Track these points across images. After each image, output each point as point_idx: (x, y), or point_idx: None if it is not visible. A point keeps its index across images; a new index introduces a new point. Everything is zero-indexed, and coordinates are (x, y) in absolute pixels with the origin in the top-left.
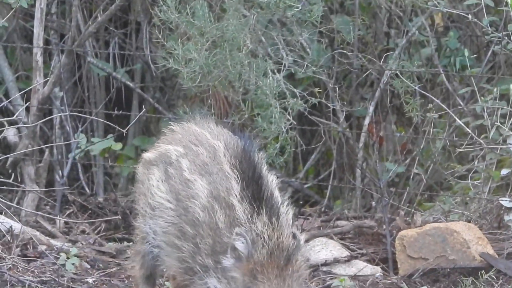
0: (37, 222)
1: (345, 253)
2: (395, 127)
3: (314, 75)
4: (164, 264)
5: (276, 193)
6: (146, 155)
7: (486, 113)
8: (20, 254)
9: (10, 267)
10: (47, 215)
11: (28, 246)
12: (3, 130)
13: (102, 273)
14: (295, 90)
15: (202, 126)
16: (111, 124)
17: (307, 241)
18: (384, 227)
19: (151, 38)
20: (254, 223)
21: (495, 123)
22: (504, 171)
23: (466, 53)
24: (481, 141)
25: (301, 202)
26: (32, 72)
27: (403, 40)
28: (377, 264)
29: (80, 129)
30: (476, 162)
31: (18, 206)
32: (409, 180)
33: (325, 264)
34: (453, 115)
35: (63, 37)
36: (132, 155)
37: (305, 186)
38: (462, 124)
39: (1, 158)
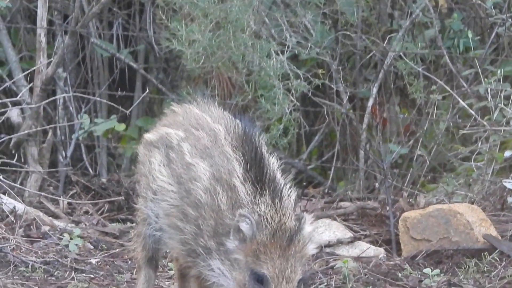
0: (40, 203)
1: (348, 234)
2: (399, 108)
3: (318, 57)
4: (167, 247)
5: (279, 175)
6: (147, 136)
7: (489, 94)
8: (23, 234)
9: (13, 247)
10: (51, 196)
11: (31, 226)
12: (6, 111)
13: (105, 254)
14: (298, 71)
15: (203, 109)
16: (115, 105)
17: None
18: (388, 208)
19: (154, 19)
20: (257, 204)
21: (499, 104)
22: (507, 153)
23: (470, 35)
24: (485, 122)
25: (304, 183)
26: (35, 53)
27: (407, 21)
28: (380, 246)
29: (83, 110)
30: (479, 144)
31: (21, 187)
32: (412, 161)
33: (328, 245)
34: (456, 96)
35: (66, 18)
36: (135, 136)
37: (309, 167)
38: (466, 106)
39: (5, 138)
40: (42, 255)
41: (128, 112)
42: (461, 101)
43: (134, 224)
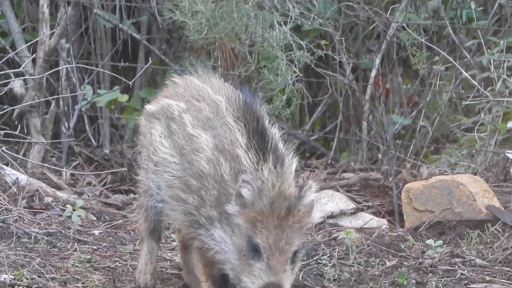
0: (43, 174)
1: (351, 205)
2: (402, 79)
3: (321, 27)
4: (170, 218)
5: (280, 144)
6: (149, 107)
7: (492, 65)
8: (26, 206)
9: (16, 219)
10: (53, 167)
11: (34, 198)
12: (9, 82)
13: (108, 225)
14: (301, 42)
15: (204, 80)
16: (117, 76)
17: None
18: (390, 179)
19: None
20: (260, 170)
21: (502, 75)
22: (510, 124)
23: (473, 6)
24: (488, 93)
25: (307, 154)
26: (38, 24)
27: None
28: (383, 217)
29: (86, 81)
30: (482, 115)
31: (24, 158)
32: (415, 132)
33: (331, 216)
34: (459, 67)
35: None
36: (138, 107)
37: (311, 138)
38: (469, 77)
39: (8, 109)
40: (45, 226)
41: (131, 83)
42: (464, 72)
43: (137, 195)
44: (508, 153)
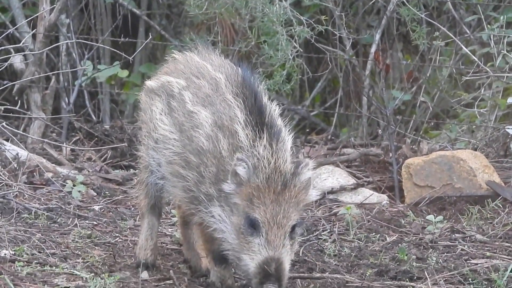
0: (43, 150)
1: (352, 181)
2: (402, 54)
3: (321, 3)
4: (170, 195)
5: (278, 120)
6: (149, 83)
7: (492, 41)
8: (26, 181)
9: (16, 194)
10: (54, 142)
11: (34, 173)
12: (9, 57)
13: (108, 201)
14: (301, 17)
15: (204, 57)
16: (118, 51)
17: (314, 168)
18: (391, 155)
19: None
20: (256, 147)
21: (502, 51)
22: (510, 99)
23: None
24: (488, 69)
25: (307, 130)
26: None
27: None
28: (383, 192)
29: (86, 56)
30: (482, 90)
31: (24, 133)
32: (415, 108)
33: (332, 192)
34: (459, 43)
35: None
36: (138, 82)
37: (312, 113)
38: (469, 52)
39: (8, 85)
40: (45, 201)
41: (131, 58)
42: (464, 48)
43: (137, 171)
44: (508, 128)
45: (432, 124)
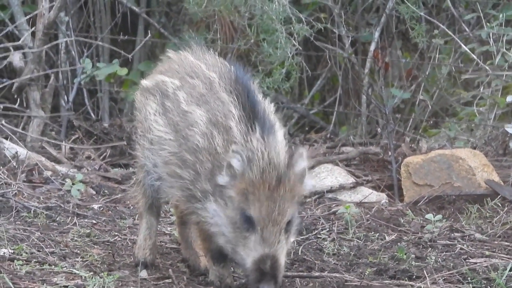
0: (42, 148)
1: (351, 179)
2: (401, 53)
3: (320, 0)
4: (167, 196)
5: (270, 115)
6: (144, 83)
7: (491, 39)
8: (25, 180)
9: (15, 193)
10: (53, 141)
11: (33, 171)
12: (8, 55)
13: (107, 199)
14: (300, 15)
15: (198, 57)
16: (117, 49)
17: (312, 167)
18: (390, 153)
19: None
20: (249, 140)
21: (501, 49)
22: (509, 98)
23: None
24: (487, 67)
25: (306, 128)
26: None
27: None
28: (382, 191)
29: (85, 54)
30: (481, 89)
31: (23, 132)
32: (414, 106)
33: (331, 190)
34: (458, 41)
35: None
36: (137, 80)
37: (311, 112)
38: (468, 50)
39: (7, 83)
40: (44, 200)
41: (130, 56)
42: (463, 46)
43: (135, 170)
44: (507, 127)
45: (431, 122)
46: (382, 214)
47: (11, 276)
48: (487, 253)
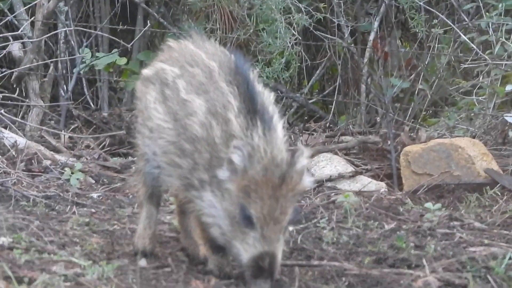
0: (41, 137)
1: (350, 168)
2: (400, 42)
3: None
4: (166, 185)
5: (270, 106)
6: (145, 72)
7: (491, 28)
8: (24, 169)
9: (14, 182)
10: (52, 130)
11: (32, 161)
12: (8, 45)
13: (107, 188)
14: (300, 5)
15: (198, 45)
16: (116, 38)
17: (312, 156)
18: (389, 142)
19: None
20: (250, 136)
21: (500, 38)
22: (508, 87)
23: None
24: (486, 56)
25: (305, 118)
26: None
27: None
28: (381, 180)
29: (85, 44)
30: (481, 78)
31: (22, 121)
32: (414, 95)
33: (330, 179)
34: (458, 30)
35: None
36: (136, 70)
37: (310, 101)
38: (467, 40)
39: (6, 72)
40: (44, 189)
41: (129, 46)
42: (462, 35)
43: (135, 159)
44: (507, 116)
45: (431, 111)
46: (381, 203)
47: (10, 264)
48: (486, 241)
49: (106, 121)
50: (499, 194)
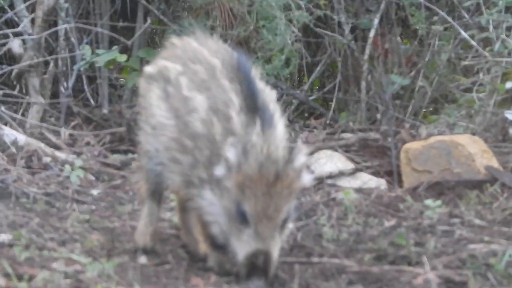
0: (41, 134)
1: (350, 165)
2: (400, 39)
3: None
4: (168, 181)
5: (272, 105)
6: (147, 69)
7: (491, 25)
8: (24, 166)
9: (15, 179)
10: (52, 127)
11: (32, 158)
12: (8, 42)
13: (107, 185)
14: (300, 2)
15: (201, 42)
16: (116, 35)
17: (311, 153)
18: (389, 139)
19: None
20: (249, 133)
21: (501, 35)
22: (509, 84)
23: None
24: (486, 53)
25: (306, 115)
26: None
27: None
28: (382, 177)
29: (85, 41)
30: (481, 75)
31: (23, 118)
32: (414, 92)
33: (330, 176)
34: (458, 27)
35: None
36: (137, 67)
37: (310, 98)
38: (467, 37)
39: (6, 69)
40: (44, 186)
41: (129, 43)
42: (462, 32)
43: (136, 155)
44: (507, 113)
45: (431, 108)
46: (381, 200)
47: (10, 261)
48: (486, 238)
49: (107, 118)
50: (499, 191)
